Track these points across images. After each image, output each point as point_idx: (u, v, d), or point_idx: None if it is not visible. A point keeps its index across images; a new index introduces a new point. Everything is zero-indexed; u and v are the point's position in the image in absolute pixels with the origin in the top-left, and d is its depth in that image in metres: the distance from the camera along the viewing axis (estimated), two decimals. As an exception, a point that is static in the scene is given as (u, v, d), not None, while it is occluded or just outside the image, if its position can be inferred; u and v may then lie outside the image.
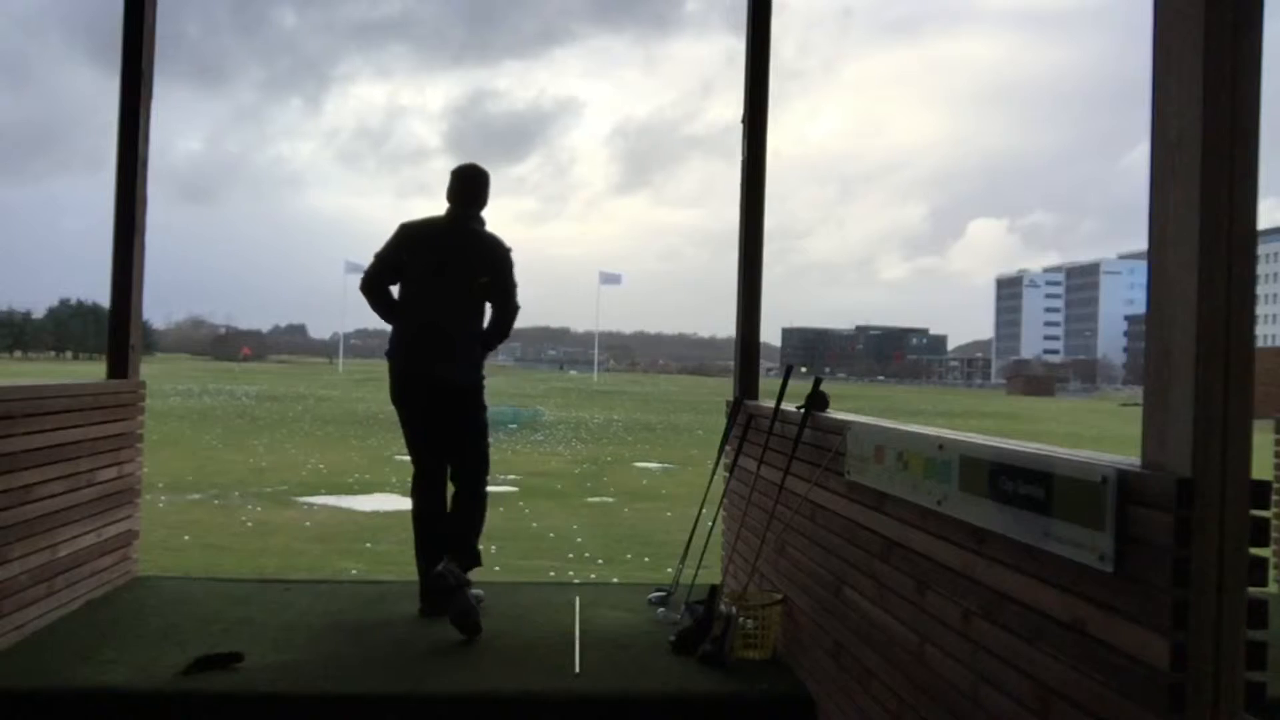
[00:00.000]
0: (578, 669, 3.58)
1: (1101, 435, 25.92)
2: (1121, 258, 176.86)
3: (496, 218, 4.61)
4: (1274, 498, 4.09)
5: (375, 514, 10.43)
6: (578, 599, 4.52)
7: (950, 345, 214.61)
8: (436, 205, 4.60)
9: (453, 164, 4.88)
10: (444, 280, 4.43)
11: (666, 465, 16.61)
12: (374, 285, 4.53)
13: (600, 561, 8.33)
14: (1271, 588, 4.74)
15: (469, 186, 4.55)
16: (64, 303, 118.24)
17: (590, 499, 12.22)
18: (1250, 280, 1.57)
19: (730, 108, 5.15)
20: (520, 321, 4.68)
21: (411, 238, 4.53)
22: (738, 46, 5.03)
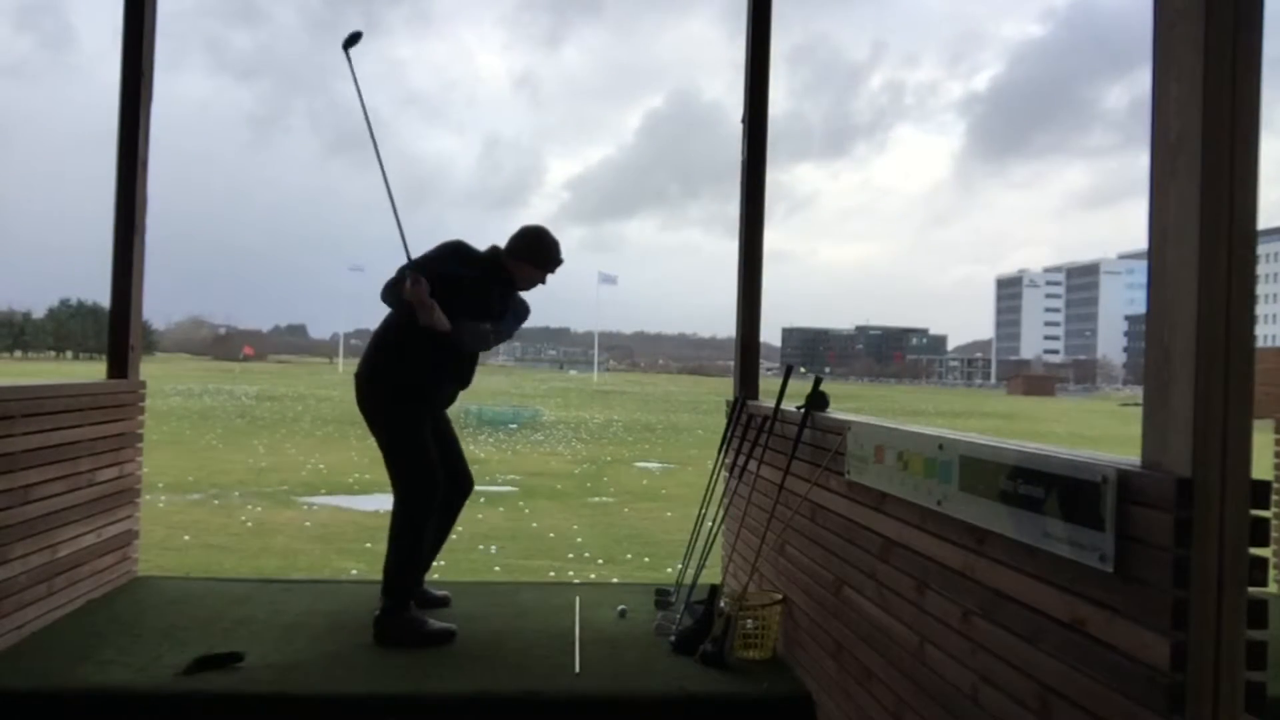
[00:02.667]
0: (578, 669, 3.58)
1: (1102, 435, 25.93)
2: (1121, 258, 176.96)
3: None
4: (1274, 498, 4.09)
5: (375, 514, 10.42)
6: (578, 599, 4.52)
7: (950, 345, 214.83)
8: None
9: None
10: None
11: (667, 465, 16.61)
12: None
13: (600, 561, 8.33)
14: (1271, 588, 4.75)
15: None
16: (64, 303, 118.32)
17: (590, 499, 12.22)
18: (1250, 280, 1.57)
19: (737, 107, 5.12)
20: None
21: None
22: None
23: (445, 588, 4.60)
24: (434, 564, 4.53)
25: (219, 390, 36.23)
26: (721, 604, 3.83)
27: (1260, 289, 2.29)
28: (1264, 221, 1.67)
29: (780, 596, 3.77)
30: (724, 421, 4.99)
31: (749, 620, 3.70)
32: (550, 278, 4.34)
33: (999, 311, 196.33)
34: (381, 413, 4.05)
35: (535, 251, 4.27)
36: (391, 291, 4.00)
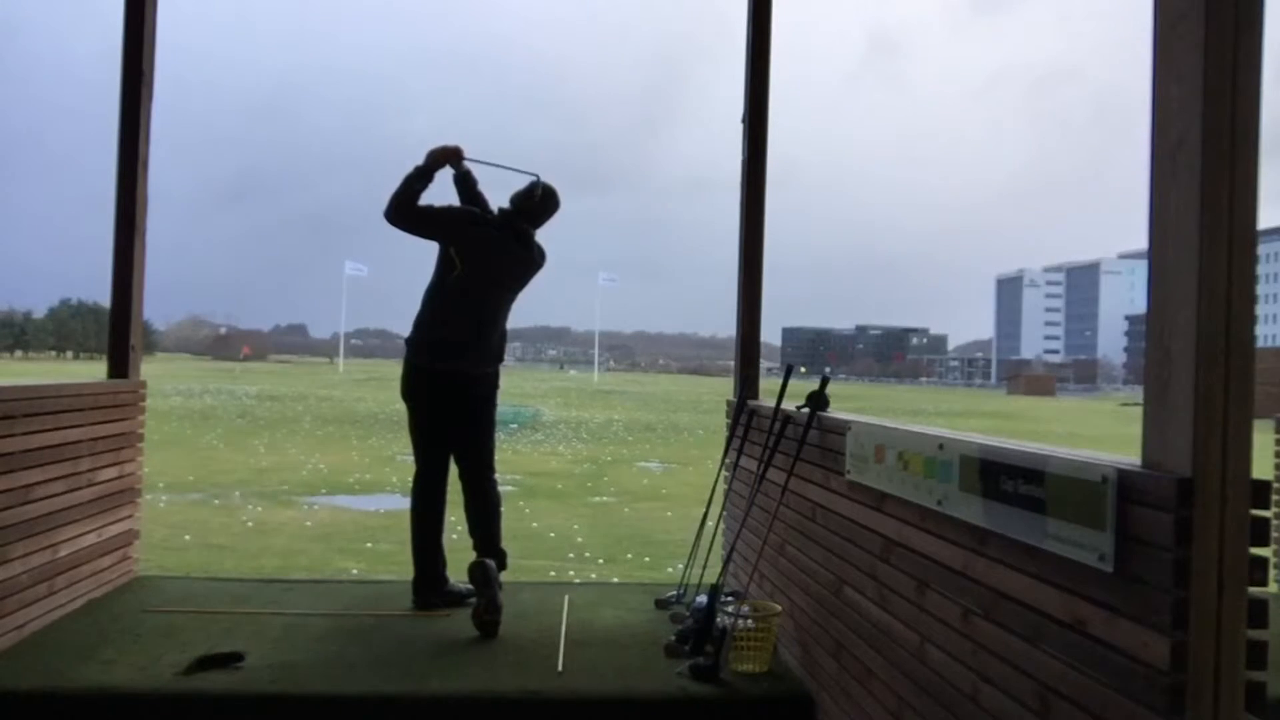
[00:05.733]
0: (560, 667, 3.59)
1: (1102, 435, 25.92)
2: (1121, 258, 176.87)
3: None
4: (1274, 497, 4.09)
5: (376, 514, 10.43)
6: (567, 598, 4.57)
7: (950, 345, 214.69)
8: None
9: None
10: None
11: (667, 465, 16.61)
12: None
13: (601, 561, 8.34)
14: (1271, 588, 4.75)
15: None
16: (64, 303, 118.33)
17: (591, 499, 12.22)
18: (1250, 280, 1.57)
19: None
20: (520, 321, 4.71)
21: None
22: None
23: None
24: (439, 561, 4.57)
25: (219, 390, 36.18)
26: (719, 620, 3.75)
27: (1260, 289, 2.29)
28: (1264, 221, 1.67)
29: (778, 609, 3.74)
30: (724, 421, 4.99)
31: (746, 635, 3.60)
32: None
33: (999, 311, 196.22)
34: (494, 398, 4.58)
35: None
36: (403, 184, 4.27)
